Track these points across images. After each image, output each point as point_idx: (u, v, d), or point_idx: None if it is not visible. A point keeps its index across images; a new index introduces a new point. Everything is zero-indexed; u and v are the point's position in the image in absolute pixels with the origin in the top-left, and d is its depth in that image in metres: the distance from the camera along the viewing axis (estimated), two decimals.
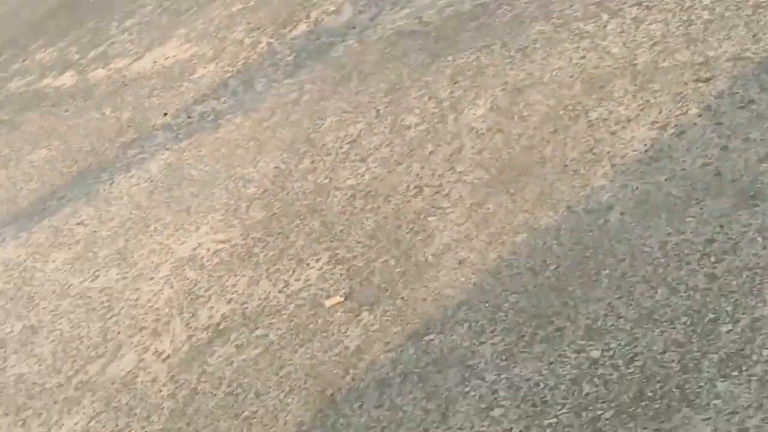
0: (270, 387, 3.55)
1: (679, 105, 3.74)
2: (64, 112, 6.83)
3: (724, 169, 3.36)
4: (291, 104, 5.33)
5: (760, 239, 3.04)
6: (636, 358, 2.90)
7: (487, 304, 3.38)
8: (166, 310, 4.24)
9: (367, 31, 5.62)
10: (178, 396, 3.75)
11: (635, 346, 2.93)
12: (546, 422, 2.87)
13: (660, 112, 3.76)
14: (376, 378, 3.34)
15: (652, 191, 3.44)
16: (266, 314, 3.90)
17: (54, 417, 3.99)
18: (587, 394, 2.88)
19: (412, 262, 3.74)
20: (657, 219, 3.32)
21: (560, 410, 2.88)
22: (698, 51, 3.95)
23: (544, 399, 2.94)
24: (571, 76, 4.22)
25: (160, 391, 3.82)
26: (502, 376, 3.09)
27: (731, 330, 2.82)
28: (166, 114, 5.99)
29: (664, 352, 2.87)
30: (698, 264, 3.08)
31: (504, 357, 3.15)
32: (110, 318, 4.39)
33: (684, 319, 2.94)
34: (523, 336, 3.18)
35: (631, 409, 2.77)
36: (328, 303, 3.79)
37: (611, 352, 2.96)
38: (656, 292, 3.06)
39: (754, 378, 2.67)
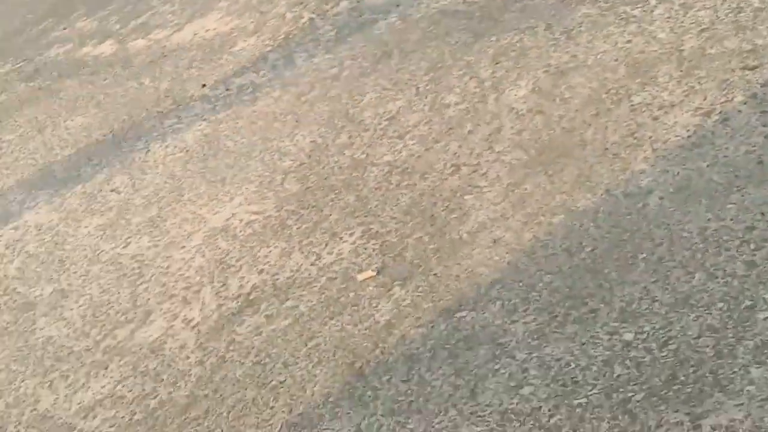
0: (298, 358, 3.53)
1: (725, 92, 3.70)
2: (102, 81, 6.83)
3: (767, 157, 3.31)
4: (330, 79, 5.30)
5: None
6: (670, 342, 2.86)
7: (520, 284, 3.34)
8: (197, 278, 4.23)
9: (410, 9, 5.58)
10: (205, 363, 3.74)
11: (669, 330, 2.89)
12: (576, 402, 2.84)
13: (705, 99, 3.71)
14: (406, 353, 3.31)
15: (693, 177, 3.40)
16: (297, 286, 3.88)
17: (81, 380, 3.99)
18: (618, 376, 2.85)
19: (446, 240, 3.71)
20: (697, 205, 3.27)
21: (591, 391, 2.85)
22: (747, 39, 3.89)
23: (574, 379, 2.91)
24: (616, 60, 4.18)
25: (188, 357, 3.81)
26: (533, 355, 3.06)
27: None
28: (204, 85, 5.98)
29: (698, 337, 2.83)
30: (737, 251, 3.04)
31: (536, 336, 3.11)
32: (140, 284, 4.38)
33: (720, 305, 2.90)
34: (556, 316, 3.15)
35: (662, 392, 2.74)
36: (360, 277, 3.76)
37: (645, 335, 2.92)
38: (693, 278, 3.02)
39: None
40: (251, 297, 3.94)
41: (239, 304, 3.94)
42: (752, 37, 3.88)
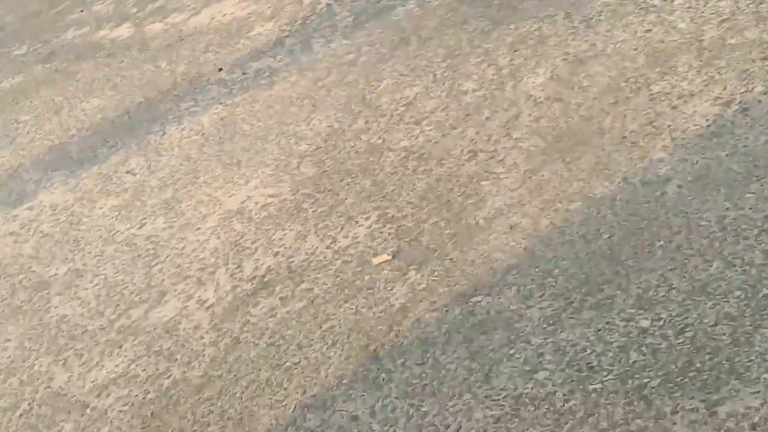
0: (313, 340, 3.53)
1: (745, 82, 3.69)
2: (119, 63, 6.83)
3: None
4: (347, 65, 5.30)
5: None
6: (686, 329, 2.86)
7: (536, 269, 3.34)
8: (212, 260, 4.23)
9: None
10: (219, 344, 3.74)
11: (686, 318, 2.89)
12: (591, 387, 2.84)
13: (724, 89, 3.70)
14: (421, 336, 3.31)
15: (712, 166, 3.39)
16: (312, 269, 3.88)
17: (95, 358, 3.99)
18: (634, 362, 2.85)
19: (462, 225, 3.71)
20: (716, 193, 3.27)
21: (606, 376, 2.85)
22: (767, 29, 3.88)
23: (590, 364, 2.91)
24: (635, 49, 4.17)
25: (202, 338, 3.82)
26: (549, 340, 3.05)
27: None
28: (221, 69, 5.98)
29: (715, 325, 2.83)
30: (756, 240, 3.03)
31: (551, 322, 3.11)
32: (155, 265, 4.39)
33: (738, 293, 2.89)
34: (572, 302, 3.15)
35: (678, 379, 2.73)
36: (375, 261, 3.76)
37: (661, 322, 2.92)
38: (711, 266, 3.02)
39: None
40: (266, 279, 3.95)
41: (254, 285, 3.95)
42: None
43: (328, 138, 4.68)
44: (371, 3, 5.87)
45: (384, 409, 3.12)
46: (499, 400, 2.95)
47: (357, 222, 4.01)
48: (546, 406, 2.86)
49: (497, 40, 4.78)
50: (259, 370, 3.52)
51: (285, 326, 3.65)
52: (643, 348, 2.87)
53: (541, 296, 3.22)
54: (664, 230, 3.23)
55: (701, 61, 3.90)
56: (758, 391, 2.60)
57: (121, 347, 3.98)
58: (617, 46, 4.25)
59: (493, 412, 2.92)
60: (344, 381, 3.29)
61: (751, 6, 4.04)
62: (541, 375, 2.95)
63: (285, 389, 3.38)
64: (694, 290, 2.96)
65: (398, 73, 4.95)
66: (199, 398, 3.53)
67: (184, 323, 3.94)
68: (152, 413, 3.57)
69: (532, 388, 2.93)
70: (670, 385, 2.73)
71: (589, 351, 2.95)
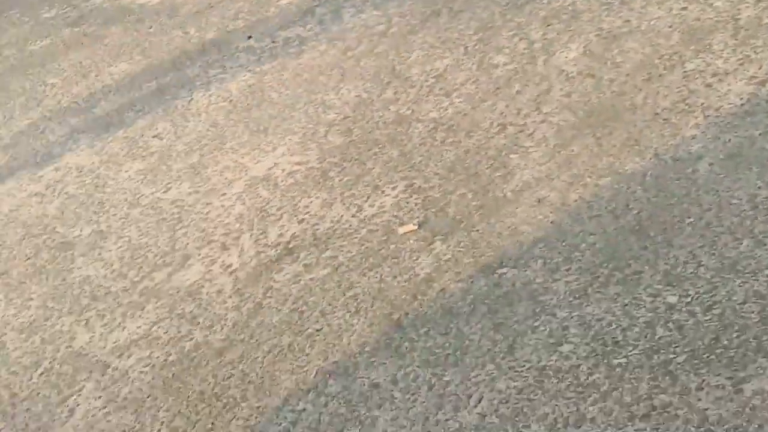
0: (336, 307, 3.52)
1: None
2: (147, 29, 6.81)
3: None
4: (378, 36, 5.27)
5: None
6: (714, 307, 2.83)
7: (564, 243, 3.32)
8: (237, 225, 4.22)
9: None
10: (242, 309, 3.73)
11: (714, 295, 2.87)
12: (615, 362, 2.82)
13: (760, 68, 3.67)
14: (445, 306, 3.29)
15: (744, 144, 3.36)
16: (337, 236, 3.86)
17: (117, 319, 3.99)
18: (660, 338, 2.82)
19: (489, 197, 3.69)
20: (747, 172, 3.24)
21: (631, 351, 2.83)
22: None
23: (615, 339, 2.89)
24: (670, 27, 4.13)
25: (225, 302, 3.81)
26: (574, 313, 3.04)
27: None
28: (250, 37, 5.96)
29: (744, 303, 2.81)
30: None
31: (577, 295, 3.09)
32: (179, 229, 4.38)
33: (767, 272, 2.86)
34: (599, 277, 3.13)
35: (704, 356, 2.71)
36: (401, 230, 3.74)
37: (689, 299, 2.90)
38: (741, 244, 2.99)
39: None
40: (290, 246, 3.94)
41: (278, 252, 3.94)
42: None
43: (356, 107, 4.66)
44: None
45: (406, 377, 3.11)
46: (522, 371, 2.93)
47: (383, 191, 3.99)
48: (570, 379, 2.84)
49: (530, 14, 4.75)
50: (282, 335, 3.51)
51: (308, 293, 3.64)
52: (670, 324, 2.85)
53: (567, 270, 3.20)
54: (694, 207, 3.20)
55: (737, 39, 3.86)
56: None
57: (143, 309, 3.98)
58: (652, 22, 4.21)
59: (516, 383, 2.90)
60: (367, 348, 3.28)
61: None
62: (565, 348, 2.94)
63: (307, 355, 3.37)
64: (723, 268, 2.93)
65: (429, 45, 4.92)
66: (221, 361, 3.52)
67: (207, 287, 3.93)
68: (173, 375, 3.57)
69: (556, 361, 2.91)
70: (696, 361, 2.71)
71: (614, 325, 2.93)
